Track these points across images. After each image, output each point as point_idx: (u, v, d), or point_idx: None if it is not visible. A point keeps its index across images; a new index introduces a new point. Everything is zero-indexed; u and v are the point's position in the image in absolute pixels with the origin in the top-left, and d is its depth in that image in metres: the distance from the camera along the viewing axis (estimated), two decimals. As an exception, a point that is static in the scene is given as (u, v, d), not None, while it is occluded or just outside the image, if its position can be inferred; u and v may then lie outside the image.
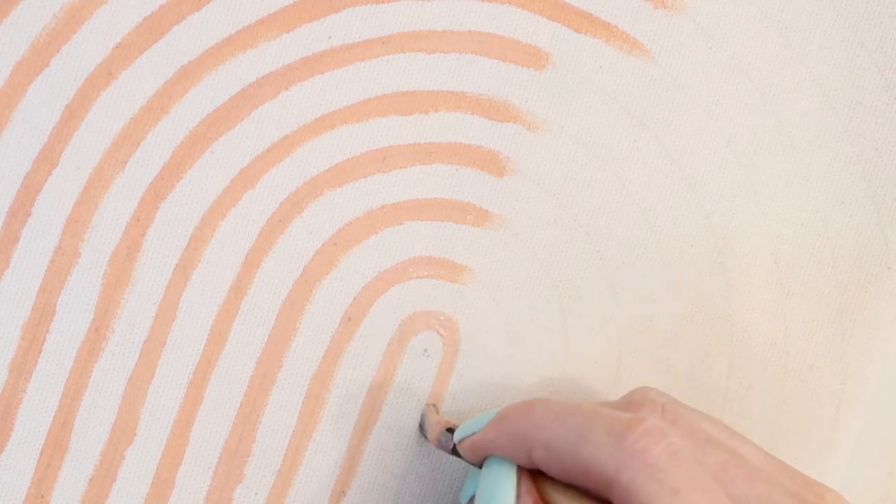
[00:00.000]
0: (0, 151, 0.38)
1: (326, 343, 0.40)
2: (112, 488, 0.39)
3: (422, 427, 0.40)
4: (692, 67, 0.41)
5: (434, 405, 0.40)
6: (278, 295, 0.40)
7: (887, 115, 0.42)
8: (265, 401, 0.40)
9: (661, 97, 0.41)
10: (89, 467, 0.39)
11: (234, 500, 0.40)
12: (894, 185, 0.42)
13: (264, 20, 0.39)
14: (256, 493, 0.40)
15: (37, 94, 0.38)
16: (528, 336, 0.41)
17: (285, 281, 0.40)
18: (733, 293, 0.42)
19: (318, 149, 0.40)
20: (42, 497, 0.39)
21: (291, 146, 0.40)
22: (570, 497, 0.35)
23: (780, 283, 0.42)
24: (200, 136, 0.39)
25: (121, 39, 0.38)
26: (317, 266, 0.40)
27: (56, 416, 0.39)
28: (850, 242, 0.42)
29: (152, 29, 0.38)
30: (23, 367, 0.39)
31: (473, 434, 0.37)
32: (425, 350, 0.41)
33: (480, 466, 0.37)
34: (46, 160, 0.38)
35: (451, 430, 0.38)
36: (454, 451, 0.38)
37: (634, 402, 0.37)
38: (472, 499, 0.38)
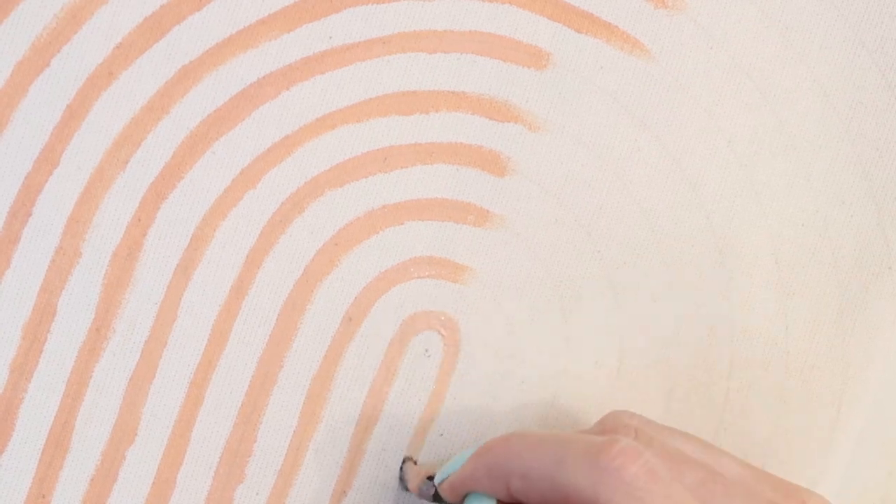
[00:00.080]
0: (1, 151, 0.38)
1: (327, 343, 0.40)
2: (113, 488, 0.39)
3: (402, 480, 0.40)
4: (693, 67, 0.41)
5: (411, 457, 0.41)
6: (279, 295, 0.40)
7: (888, 115, 0.42)
8: (266, 401, 0.40)
9: (661, 97, 0.41)
10: (90, 467, 0.39)
11: (236, 500, 0.40)
12: (895, 185, 0.42)
13: (265, 20, 0.39)
14: (257, 493, 0.40)
15: (38, 93, 0.38)
16: (528, 336, 0.41)
17: (286, 281, 0.40)
18: (734, 293, 0.42)
19: (319, 149, 0.40)
20: (43, 497, 0.39)
21: (292, 146, 0.40)
22: None
23: (780, 283, 0.42)
24: (201, 135, 0.39)
25: (121, 39, 0.38)
26: (318, 266, 0.40)
27: (57, 416, 0.39)
28: (850, 242, 0.42)
29: (153, 29, 0.38)
30: (24, 367, 0.38)
31: (453, 473, 0.37)
32: (426, 350, 0.41)
33: None
34: (47, 160, 0.38)
35: (430, 478, 0.39)
36: (436, 498, 0.38)
37: (608, 427, 0.37)
38: None
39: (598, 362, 0.42)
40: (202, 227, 0.39)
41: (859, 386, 0.43)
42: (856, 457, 0.44)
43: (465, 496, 0.37)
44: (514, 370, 0.41)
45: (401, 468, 0.41)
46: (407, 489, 0.40)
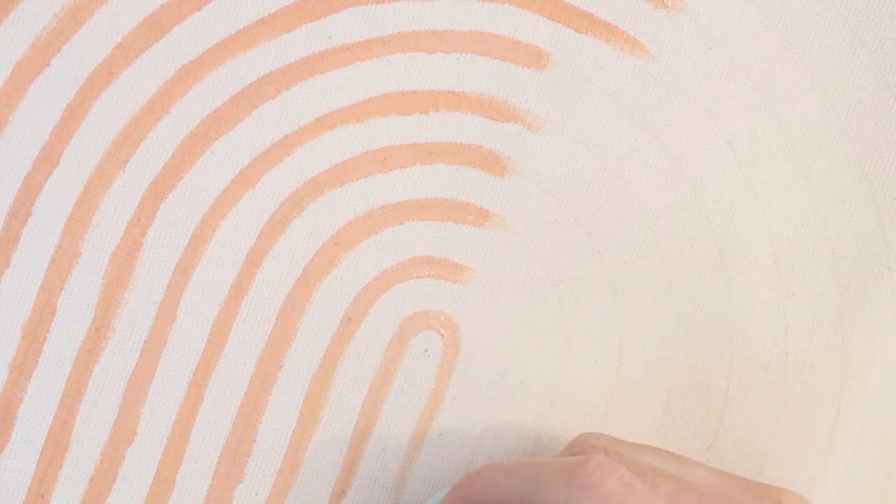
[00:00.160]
0: (1, 151, 0.38)
1: (327, 343, 0.40)
2: (112, 488, 0.39)
3: None
4: (692, 67, 0.41)
5: None
6: (279, 295, 0.40)
7: (887, 115, 0.42)
8: (265, 400, 0.40)
9: (661, 97, 0.41)
10: (90, 467, 0.39)
11: (235, 500, 0.40)
12: (894, 185, 0.42)
13: (265, 20, 0.39)
14: (257, 493, 0.40)
15: (37, 93, 0.38)
16: (528, 336, 0.41)
17: (286, 281, 0.40)
18: (733, 293, 0.42)
19: (319, 149, 0.40)
20: (42, 497, 0.39)
21: (292, 146, 0.40)
22: None
23: (780, 284, 0.42)
24: (201, 135, 0.39)
25: (121, 39, 0.38)
26: (317, 266, 0.40)
27: (56, 416, 0.39)
28: (850, 242, 0.42)
29: (153, 29, 0.38)
30: (23, 367, 0.38)
31: None
32: (426, 350, 0.41)
33: None
34: (47, 160, 0.38)
35: None
36: None
37: (576, 450, 0.37)
38: None
39: (598, 362, 0.42)
40: (202, 226, 0.39)
41: (859, 386, 0.43)
42: (855, 457, 0.44)
43: None
44: (514, 370, 0.41)
45: None
46: None
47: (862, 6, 0.41)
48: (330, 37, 0.39)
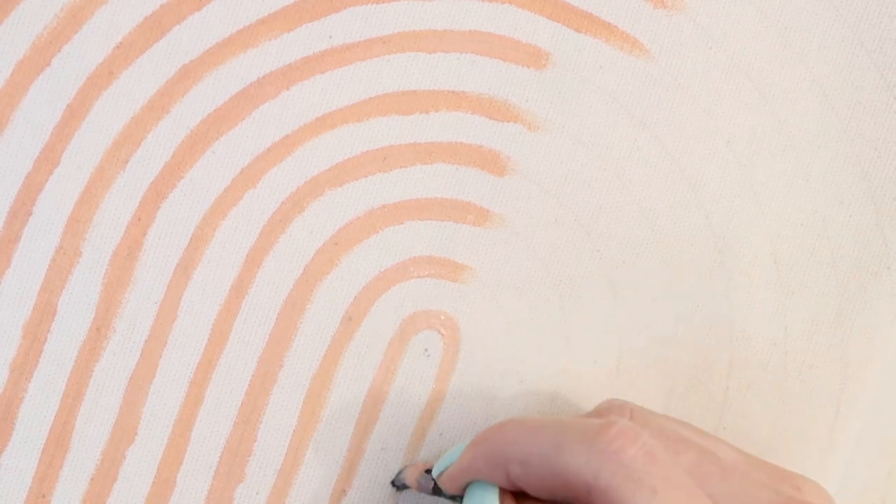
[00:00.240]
0: (1, 150, 0.38)
1: (327, 342, 0.40)
2: (113, 488, 0.39)
3: (394, 483, 0.40)
4: (692, 67, 0.41)
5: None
6: (279, 294, 0.40)
7: (887, 114, 0.42)
8: (266, 400, 0.40)
9: (661, 97, 0.41)
10: (90, 467, 0.39)
11: (236, 500, 0.40)
12: (893, 185, 0.42)
13: (265, 20, 0.39)
14: (257, 493, 0.40)
15: (38, 93, 0.38)
16: (528, 335, 0.41)
17: (286, 280, 0.40)
18: (733, 293, 0.42)
19: (319, 148, 0.40)
20: (43, 496, 0.39)
21: (292, 145, 0.40)
22: None
23: (779, 283, 0.42)
24: (201, 135, 0.39)
25: (122, 39, 0.38)
26: (318, 265, 0.40)
27: (57, 416, 0.39)
28: (849, 242, 0.42)
29: (153, 28, 0.38)
30: (24, 367, 0.39)
31: (451, 465, 0.37)
32: (426, 349, 0.41)
33: (462, 500, 0.37)
34: (48, 159, 0.38)
35: (428, 472, 0.39)
36: (435, 491, 0.38)
37: (602, 411, 0.37)
38: None
39: (598, 361, 0.42)
40: (202, 226, 0.39)
41: (858, 386, 0.43)
42: (855, 456, 0.44)
43: (465, 486, 0.37)
44: (514, 369, 0.41)
45: (396, 474, 0.41)
46: (398, 489, 0.40)
47: (861, 6, 0.41)
48: (330, 36, 0.40)
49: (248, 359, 0.40)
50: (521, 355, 0.41)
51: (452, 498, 0.38)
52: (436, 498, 0.40)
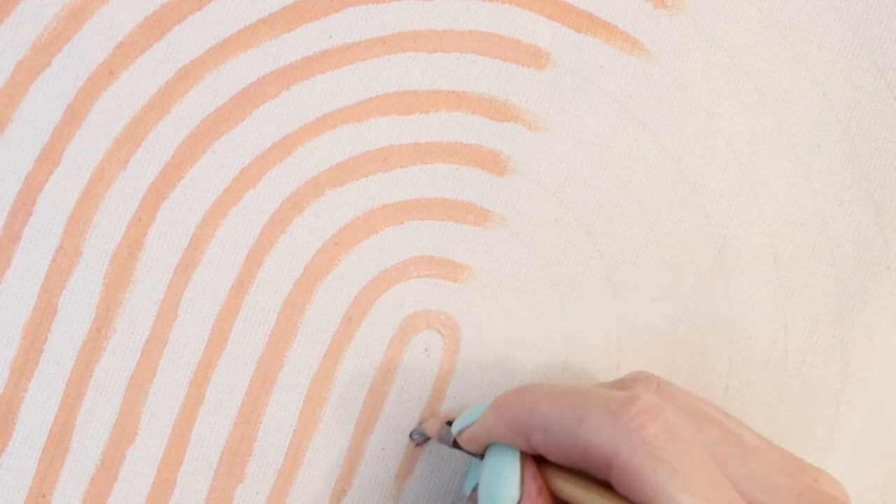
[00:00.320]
0: (2, 150, 0.38)
1: (327, 342, 0.40)
2: (113, 487, 0.39)
3: (412, 436, 0.40)
4: (692, 67, 0.41)
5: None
6: (279, 294, 0.40)
7: (886, 115, 0.42)
8: (266, 400, 0.40)
9: (661, 97, 0.41)
10: (91, 466, 0.39)
11: (236, 500, 0.40)
12: (893, 184, 0.42)
13: (265, 19, 0.39)
14: (258, 493, 0.40)
15: (38, 93, 0.38)
16: (528, 335, 0.41)
17: (286, 280, 0.40)
18: (733, 292, 0.42)
19: (319, 148, 0.40)
20: (44, 496, 0.39)
21: (292, 145, 0.40)
22: (574, 482, 0.35)
23: (779, 283, 0.42)
24: (202, 135, 0.39)
25: (122, 39, 0.38)
26: (318, 265, 0.40)
27: (57, 416, 0.39)
28: (849, 242, 0.42)
29: (153, 28, 0.38)
30: (24, 367, 0.39)
31: (471, 424, 0.37)
32: (426, 349, 0.41)
33: (482, 457, 0.37)
34: (48, 159, 0.38)
35: (450, 424, 0.38)
36: (455, 445, 0.38)
37: (628, 382, 0.37)
38: (475, 489, 0.38)
39: (598, 361, 0.42)
40: (202, 226, 0.39)
41: (858, 385, 0.43)
42: (855, 456, 0.44)
43: (485, 447, 0.37)
44: (514, 369, 0.41)
45: (416, 426, 0.40)
46: (417, 443, 0.40)
47: (861, 6, 0.41)
48: (330, 36, 0.40)
49: (248, 359, 0.40)
50: (520, 355, 0.41)
51: (472, 454, 0.38)
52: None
